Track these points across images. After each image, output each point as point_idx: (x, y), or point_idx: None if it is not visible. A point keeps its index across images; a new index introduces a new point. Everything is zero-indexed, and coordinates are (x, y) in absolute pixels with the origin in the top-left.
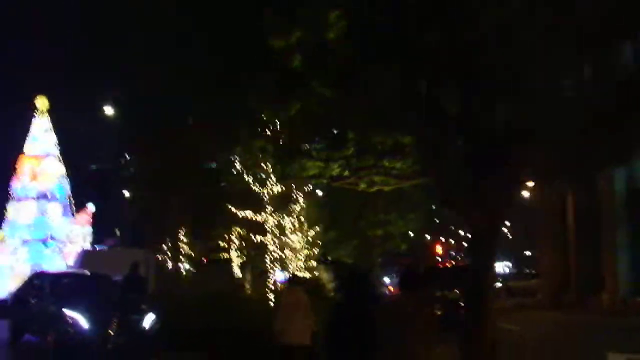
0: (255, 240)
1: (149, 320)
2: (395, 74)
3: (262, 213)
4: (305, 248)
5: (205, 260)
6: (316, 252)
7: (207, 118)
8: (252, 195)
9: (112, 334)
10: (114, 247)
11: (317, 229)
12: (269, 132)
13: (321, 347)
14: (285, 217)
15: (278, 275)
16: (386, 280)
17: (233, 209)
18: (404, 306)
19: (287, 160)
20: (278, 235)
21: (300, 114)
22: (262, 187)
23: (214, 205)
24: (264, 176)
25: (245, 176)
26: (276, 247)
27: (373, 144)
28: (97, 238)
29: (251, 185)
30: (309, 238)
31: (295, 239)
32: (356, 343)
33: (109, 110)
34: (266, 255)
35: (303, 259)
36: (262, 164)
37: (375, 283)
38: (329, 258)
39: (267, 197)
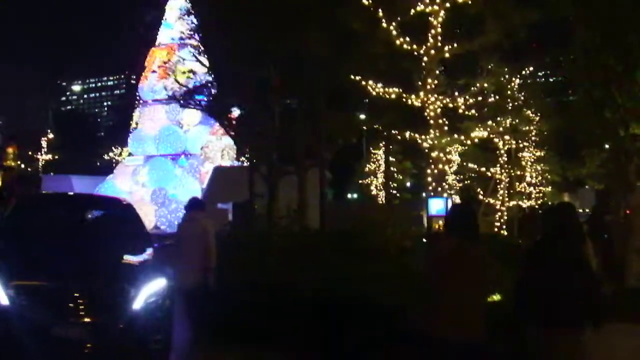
0: (405, 137)
1: (148, 292)
2: None
3: (421, 93)
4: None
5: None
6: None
7: None
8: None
9: (61, 320)
10: None
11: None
12: None
13: None
14: (467, 99)
15: (434, 205)
16: None
17: (366, 84)
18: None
19: None
20: (447, 131)
21: None
22: (419, 45)
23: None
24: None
25: (384, 22)
26: (442, 153)
27: None
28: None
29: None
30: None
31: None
32: None
33: None
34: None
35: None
36: None
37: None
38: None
39: (427, 60)
